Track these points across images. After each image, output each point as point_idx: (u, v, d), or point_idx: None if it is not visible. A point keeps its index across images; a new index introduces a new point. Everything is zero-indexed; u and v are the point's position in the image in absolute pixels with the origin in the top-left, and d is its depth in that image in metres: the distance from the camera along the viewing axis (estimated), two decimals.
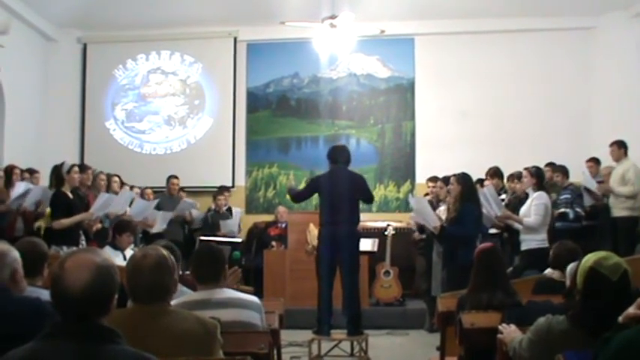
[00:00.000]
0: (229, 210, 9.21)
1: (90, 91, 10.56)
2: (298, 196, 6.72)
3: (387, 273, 8.16)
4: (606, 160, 8.44)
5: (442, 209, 6.98)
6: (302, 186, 8.72)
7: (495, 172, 7.85)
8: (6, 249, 2.76)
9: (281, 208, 9.52)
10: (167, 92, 10.57)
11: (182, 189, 9.33)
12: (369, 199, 6.45)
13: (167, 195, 8.98)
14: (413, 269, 8.22)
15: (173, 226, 8.39)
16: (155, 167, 9.93)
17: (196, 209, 9.07)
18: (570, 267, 3.91)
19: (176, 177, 9.12)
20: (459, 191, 6.21)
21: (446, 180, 7.11)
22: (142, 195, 8.45)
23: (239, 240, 8.86)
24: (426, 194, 8.15)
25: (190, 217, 8.88)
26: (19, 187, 6.74)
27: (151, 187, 8.97)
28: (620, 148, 8.09)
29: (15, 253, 2.76)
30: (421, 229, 7.60)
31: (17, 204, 6.63)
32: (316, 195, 6.54)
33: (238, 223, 9.17)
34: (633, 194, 7.86)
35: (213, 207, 9.13)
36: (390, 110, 10.39)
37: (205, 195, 9.72)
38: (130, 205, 7.39)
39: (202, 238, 7.97)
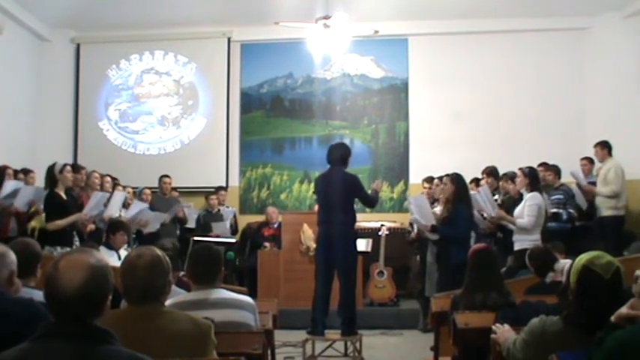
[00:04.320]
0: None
1: (83, 91, 10.52)
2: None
3: (380, 273, 8.17)
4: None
5: (438, 209, 6.97)
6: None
7: (491, 172, 7.83)
8: (5, 250, 2.74)
9: (270, 209, 9.49)
10: (161, 92, 10.53)
11: (176, 189, 9.32)
12: (366, 200, 6.39)
13: (160, 195, 8.98)
14: (407, 269, 8.23)
15: (167, 226, 8.37)
16: (149, 167, 9.88)
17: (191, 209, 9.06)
18: (566, 265, 3.94)
19: (168, 176, 9.11)
20: (452, 191, 6.21)
21: (442, 179, 7.10)
22: (140, 196, 8.47)
23: (233, 240, 8.86)
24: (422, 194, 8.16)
25: (183, 214, 8.87)
26: (7, 186, 6.70)
27: (145, 188, 8.93)
28: (603, 148, 8.12)
29: (12, 255, 2.74)
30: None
31: (9, 202, 6.60)
32: (312, 195, 6.54)
33: (231, 224, 9.17)
34: (614, 194, 7.86)
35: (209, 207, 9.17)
36: (383, 110, 10.39)
37: (199, 195, 9.74)
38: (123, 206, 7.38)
39: (196, 238, 7.96)
